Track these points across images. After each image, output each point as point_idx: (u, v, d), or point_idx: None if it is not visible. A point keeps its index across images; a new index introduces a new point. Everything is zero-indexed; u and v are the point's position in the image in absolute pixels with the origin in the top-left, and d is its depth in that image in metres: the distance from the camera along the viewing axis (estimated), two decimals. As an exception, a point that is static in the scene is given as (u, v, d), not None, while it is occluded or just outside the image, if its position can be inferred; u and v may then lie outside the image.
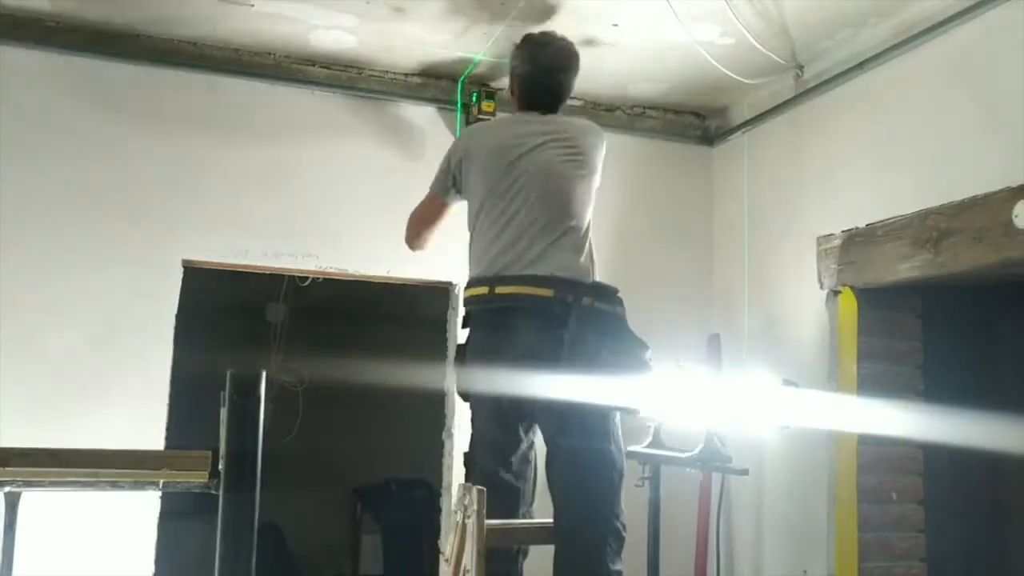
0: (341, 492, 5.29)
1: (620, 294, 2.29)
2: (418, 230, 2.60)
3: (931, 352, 2.81)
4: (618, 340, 2.24)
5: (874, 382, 2.74)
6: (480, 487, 2.05)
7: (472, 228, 2.42)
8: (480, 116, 3.17)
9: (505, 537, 2.25)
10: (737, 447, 2.90)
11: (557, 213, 2.28)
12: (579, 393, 2.19)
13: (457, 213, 2.55)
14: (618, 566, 2.18)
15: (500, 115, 3.04)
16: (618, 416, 2.29)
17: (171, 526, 2.93)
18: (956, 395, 2.61)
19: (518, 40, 2.50)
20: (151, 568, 2.79)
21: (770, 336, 3.11)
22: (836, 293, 2.78)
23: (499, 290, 2.26)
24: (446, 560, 2.21)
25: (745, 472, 2.80)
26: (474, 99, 3.22)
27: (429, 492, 4.51)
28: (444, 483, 3.23)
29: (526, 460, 2.38)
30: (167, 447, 2.74)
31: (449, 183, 2.49)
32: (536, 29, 2.81)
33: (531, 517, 2.42)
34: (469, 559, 2.04)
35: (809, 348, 2.89)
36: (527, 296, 2.22)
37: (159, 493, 2.60)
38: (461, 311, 3.19)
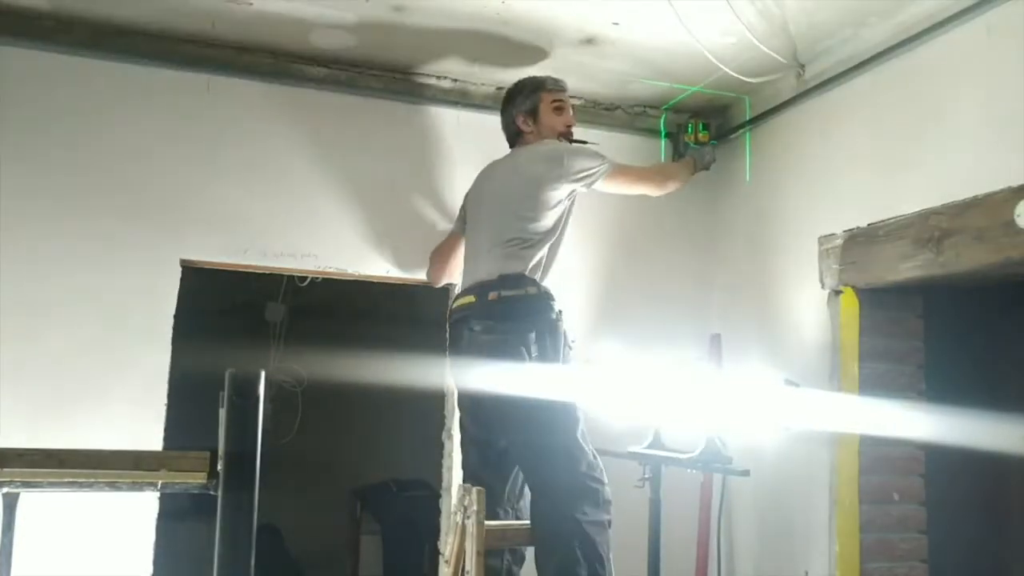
0: (341, 492, 5.28)
1: (528, 276, 2.55)
2: (431, 261, 3.09)
3: (933, 352, 2.80)
4: (522, 318, 2.49)
5: (876, 382, 2.73)
6: (479, 487, 2.15)
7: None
8: (696, 143, 3.28)
9: (502, 538, 2.27)
10: (738, 448, 2.89)
11: (495, 230, 2.66)
12: (490, 383, 2.43)
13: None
14: (593, 516, 2.35)
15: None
16: (569, 406, 2.45)
17: (170, 527, 2.92)
18: (958, 395, 2.60)
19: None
20: (149, 569, 2.78)
21: (771, 336, 3.10)
22: (837, 293, 2.78)
23: (453, 305, 2.71)
24: (446, 561, 2.22)
25: (746, 473, 2.79)
26: (689, 129, 3.31)
27: (429, 492, 4.50)
28: (444, 483, 3.22)
29: (504, 456, 2.56)
30: (165, 447, 2.73)
31: (461, 220, 2.98)
32: (535, 27, 2.82)
33: (521, 514, 2.49)
34: (469, 559, 2.04)
35: (810, 348, 2.88)
36: (463, 306, 2.62)
37: (157, 494, 2.59)
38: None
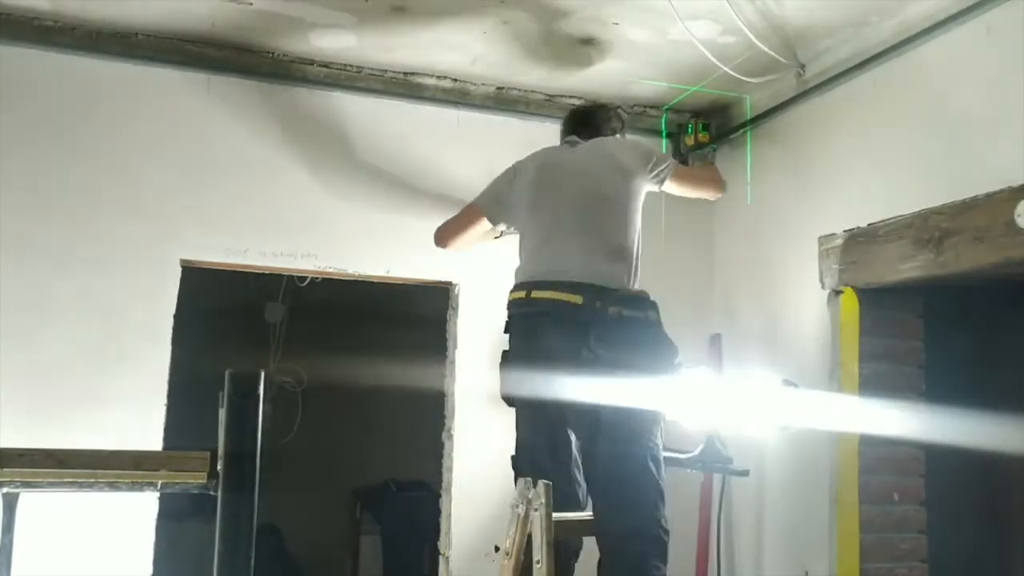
0: (341, 493, 5.29)
1: (652, 299, 2.39)
2: (448, 232, 2.89)
3: (933, 352, 2.80)
4: (645, 346, 2.31)
5: (876, 382, 2.73)
6: (546, 481, 2.12)
7: (520, 239, 2.63)
8: (697, 145, 3.29)
9: (569, 530, 2.30)
10: (738, 448, 2.89)
11: (590, 223, 2.45)
12: (603, 398, 2.24)
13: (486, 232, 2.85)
14: (662, 571, 2.22)
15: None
16: (657, 424, 2.33)
17: (170, 527, 2.92)
18: (958, 395, 2.60)
19: None
20: (149, 569, 2.78)
21: (771, 336, 3.10)
22: (838, 293, 2.77)
23: (535, 295, 2.38)
24: (506, 553, 2.24)
25: (746, 473, 2.80)
26: (689, 130, 3.32)
27: (429, 493, 4.50)
28: (444, 484, 3.22)
29: (574, 461, 2.43)
30: (165, 448, 2.73)
31: (497, 201, 2.75)
32: (535, 27, 2.82)
33: (582, 489, 2.46)
34: (539, 551, 2.09)
35: (810, 348, 2.88)
36: (558, 302, 2.32)
37: (157, 494, 2.59)
38: (463, 312, 3.22)
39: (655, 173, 2.63)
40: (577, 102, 3.25)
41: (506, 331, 2.49)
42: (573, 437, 2.44)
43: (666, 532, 2.27)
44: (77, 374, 2.77)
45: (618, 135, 2.81)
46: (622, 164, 2.58)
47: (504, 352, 2.51)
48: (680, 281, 3.46)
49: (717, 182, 3.02)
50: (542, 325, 2.36)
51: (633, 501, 2.27)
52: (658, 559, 2.24)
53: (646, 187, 2.62)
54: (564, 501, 2.27)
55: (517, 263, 2.58)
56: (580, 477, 2.45)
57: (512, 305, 2.46)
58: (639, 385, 2.26)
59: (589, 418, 2.30)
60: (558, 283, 2.35)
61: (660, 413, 2.36)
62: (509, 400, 2.52)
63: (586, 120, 2.79)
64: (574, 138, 2.74)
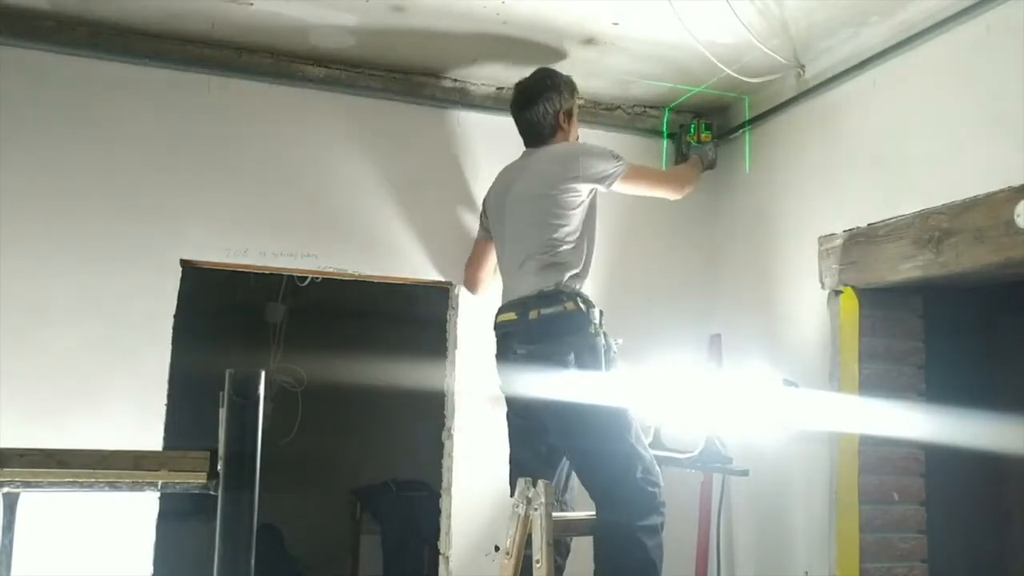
0: (341, 493, 5.29)
1: (573, 290, 2.57)
2: (467, 273, 3.14)
3: (933, 352, 2.80)
4: (560, 334, 2.51)
5: (876, 382, 2.73)
6: (545, 480, 2.25)
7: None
8: (699, 143, 3.28)
9: (567, 529, 2.36)
10: (738, 448, 2.90)
11: (525, 241, 2.66)
12: (538, 393, 2.46)
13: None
14: (648, 520, 2.37)
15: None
16: (620, 411, 2.46)
17: (170, 527, 2.92)
18: (958, 396, 2.60)
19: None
20: (150, 569, 2.77)
21: (771, 336, 3.10)
22: (837, 293, 2.78)
23: (497, 319, 2.71)
24: (506, 552, 2.27)
25: (745, 473, 2.79)
26: (691, 130, 3.31)
27: (429, 492, 4.50)
28: (444, 484, 3.22)
29: (555, 450, 2.60)
30: (165, 448, 2.73)
31: (484, 227, 2.98)
32: (535, 27, 2.82)
33: (566, 507, 2.56)
34: (538, 550, 2.11)
35: (810, 348, 2.88)
36: (505, 322, 2.65)
37: (158, 494, 2.59)
38: (463, 312, 3.24)
39: (597, 178, 2.67)
40: (579, 102, 3.24)
41: None
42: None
43: (651, 484, 2.42)
44: (77, 374, 2.77)
45: (562, 112, 2.78)
46: (550, 178, 2.66)
47: None
48: (680, 281, 3.47)
49: (679, 182, 3.01)
50: (501, 344, 2.69)
51: (604, 488, 2.42)
52: (644, 511, 2.38)
53: (585, 191, 2.66)
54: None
55: None
56: (559, 469, 2.63)
57: (493, 329, 2.75)
58: (572, 377, 2.43)
59: (551, 418, 2.50)
60: (504, 306, 2.68)
61: (613, 402, 2.45)
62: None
63: (527, 126, 2.81)
64: (527, 149, 2.84)
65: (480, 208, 3.03)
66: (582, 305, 2.53)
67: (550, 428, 2.54)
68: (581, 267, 2.63)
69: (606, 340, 2.52)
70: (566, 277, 2.59)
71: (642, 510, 2.37)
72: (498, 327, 2.70)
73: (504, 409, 2.74)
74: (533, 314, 2.53)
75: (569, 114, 2.82)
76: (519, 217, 2.71)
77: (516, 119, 2.85)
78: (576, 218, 2.65)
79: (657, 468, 2.47)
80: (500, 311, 2.71)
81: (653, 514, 2.38)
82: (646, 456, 2.46)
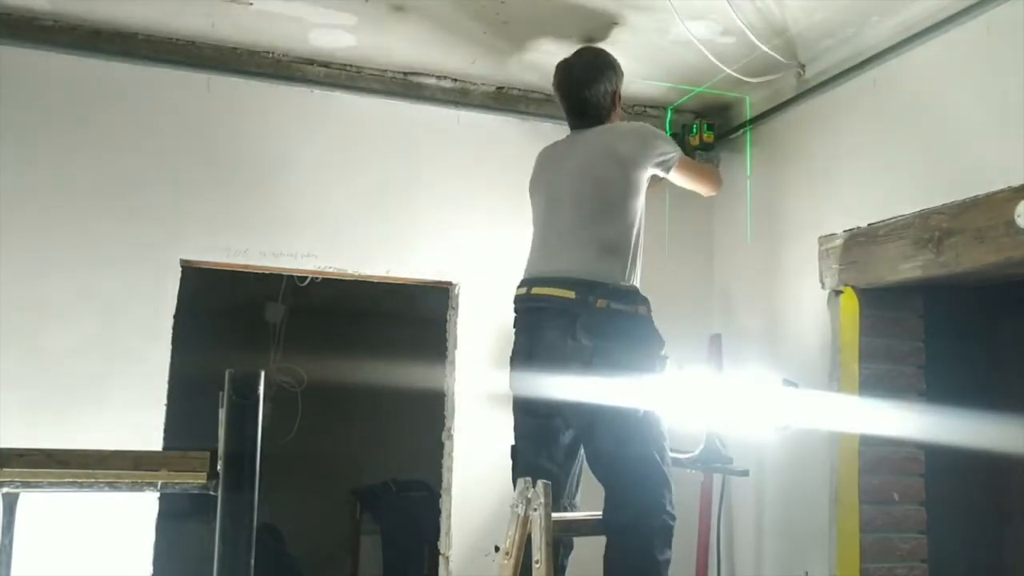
0: (340, 493, 5.29)
1: (643, 295, 2.41)
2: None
3: (933, 352, 2.80)
4: (629, 338, 2.34)
5: (876, 382, 2.73)
6: (545, 481, 2.16)
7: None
8: (702, 145, 3.26)
9: (567, 529, 2.33)
10: (738, 448, 2.90)
11: (586, 217, 2.45)
12: (596, 395, 2.28)
13: None
14: (666, 555, 2.29)
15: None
16: (655, 420, 2.36)
17: (170, 527, 2.92)
18: (958, 396, 2.60)
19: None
20: (149, 569, 2.78)
21: (771, 336, 3.10)
22: (838, 293, 2.77)
23: (534, 291, 2.43)
24: (506, 553, 2.26)
25: (746, 473, 2.80)
26: (693, 130, 3.29)
27: (429, 492, 4.51)
28: (444, 483, 3.22)
29: (570, 453, 2.48)
30: (165, 448, 2.73)
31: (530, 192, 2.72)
32: (535, 28, 2.82)
33: (574, 508, 2.49)
34: (537, 550, 2.11)
35: (810, 348, 2.88)
36: (552, 297, 2.37)
37: (157, 494, 2.58)
38: (463, 312, 3.22)
39: (659, 161, 2.55)
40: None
41: (514, 326, 2.53)
42: (568, 433, 2.46)
43: (672, 517, 2.31)
44: (77, 374, 2.77)
45: (618, 93, 2.64)
46: (622, 155, 2.50)
47: (512, 350, 2.54)
48: (680, 281, 3.46)
49: (716, 179, 2.96)
50: (541, 319, 2.41)
51: (636, 496, 2.30)
52: (663, 544, 2.29)
53: (648, 175, 2.53)
54: (560, 498, 2.37)
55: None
56: (574, 470, 2.51)
57: (516, 301, 2.51)
58: (628, 380, 2.30)
59: (584, 413, 2.34)
60: (554, 279, 2.40)
61: (655, 409, 2.37)
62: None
63: (583, 106, 2.60)
64: (577, 132, 2.65)
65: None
66: (650, 312, 2.40)
67: (570, 425, 2.41)
68: (638, 263, 2.47)
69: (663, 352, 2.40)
70: (629, 272, 2.41)
71: (664, 544, 2.28)
72: (534, 299, 2.41)
73: (508, 408, 2.58)
74: (601, 303, 2.30)
75: (618, 95, 2.66)
76: (581, 188, 2.49)
77: (570, 98, 2.62)
78: (639, 204, 2.49)
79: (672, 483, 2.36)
80: (539, 283, 2.43)
81: (670, 549, 2.29)
82: (672, 486, 2.33)
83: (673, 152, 2.61)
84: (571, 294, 2.34)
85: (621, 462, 2.31)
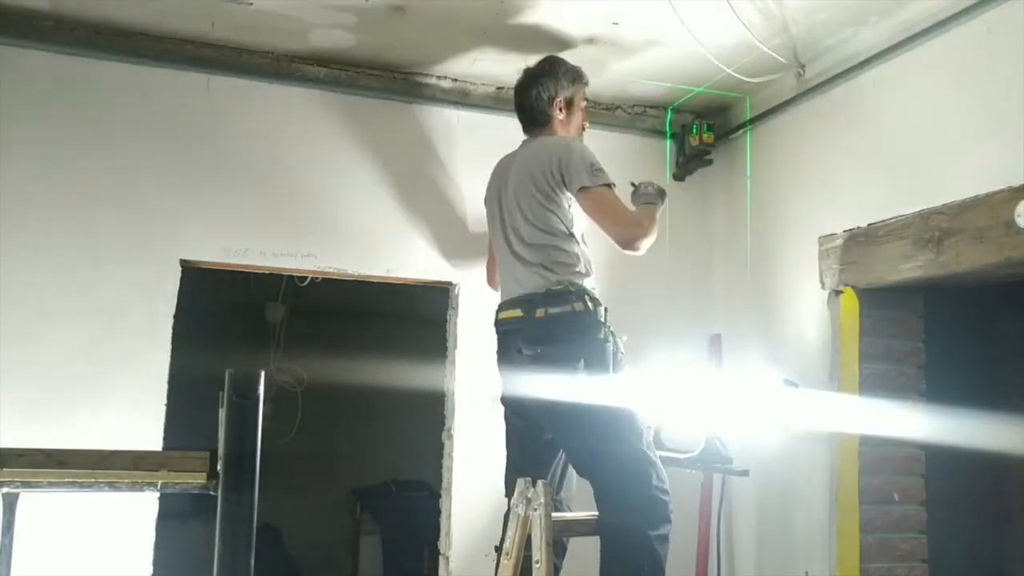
0: (340, 493, 5.29)
1: (578, 288, 2.49)
2: (488, 272, 3.03)
3: (933, 352, 2.80)
4: (567, 334, 2.45)
5: (876, 382, 2.73)
6: (544, 480, 2.23)
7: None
8: (702, 145, 3.28)
9: (566, 529, 2.35)
10: (738, 448, 2.89)
11: (522, 235, 2.58)
12: (542, 394, 2.42)
13: None
14: (662, 530, 2.34)
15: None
16: (622, 415, 2.41)
17: (170, 527, 2.92)
18: (958, 396, 2.60)
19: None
20: (149, 569, 2.77)
21: (771, 336, 3.10)
22: (838, 293, 2.77)
23: (499, 316, 2.65)
24: (505, 553, 2.26)
25: (746, 473, 2.80)
26: (693, 130, 3.30)
27: (429, 492, 4.51)
28: (444, 484, 3.22)
29: (550, 450, 2.58)
30: (165, 448, 2.73)
31: (488, 222, 2.83)
32: (534, 27, 2.82)
33: (563, 506, 2.54)
34: (537, 550, 2.14)
35: (810, 348, 2.88)
36: (508, 319, 2.58)
37: (157, 494, 2.59)
38: (463, 312, 3.23)
39: (568, 186, 2.53)
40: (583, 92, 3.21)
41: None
42: (544, 429, 2.56)
43: (662, 491, 2.37)
44: (77, 374, 2.77)
45: (559, 99, 2.68)
46: (535, 174, 2.56)
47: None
48: (680, 281, 3.46)
49: (634, 230, 2.52)
50: (503, 341, 2.63)
51: (617, 486, 2.38)
52: (657, 520, 2.34)
53: (567, 192, 2.55)
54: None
55: None
56: (552, 469, 2.60)
57: (494, 325, 2.69)
58: (578, 376, 2.38)
59: (552, 419, 2.47)
60: (506, 303, 2.62)
61: (615, 399, 2.41)
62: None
63: (520, 108, 2.75)
64: (524, 139, 2.76)
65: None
66: (590, 304, 2.47)
67: (547, 428, 2.51)
68: (582, 263, 2.55)
69: (615, 341, 2.46)
70: (571, 273, 2.51)
71: (655, 519, 2.32)
72: (500, 324, 2.63)
73: (502, 409, 2.70)
74: (540, 312, 2.46)
75: (569, 103, 2.71)
76: (514, 210, 2.62)
77: (516, 104, 2.78)
78: (568, 214, 2.56)
79: (666, 475, 2.42)
80: (502, 307, 2.63)
81: (665, 523, 2.34)
82: (658, 463, 2.40)
83: (581, 183, 2.49)
84: (519, 312, 2.53)
85: (596, 457, 2.41)
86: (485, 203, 2.85)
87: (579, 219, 2.60)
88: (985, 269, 2.31)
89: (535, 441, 2.56)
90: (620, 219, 2.52)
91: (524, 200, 2.59)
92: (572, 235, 2.57)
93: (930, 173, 2.51)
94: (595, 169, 2.51)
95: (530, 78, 2.72)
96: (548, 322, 2.46)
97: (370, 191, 3.16)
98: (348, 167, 3.15)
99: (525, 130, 2.78)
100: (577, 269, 2.54)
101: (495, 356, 2.67)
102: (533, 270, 2.55)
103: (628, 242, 2.51)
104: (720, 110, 3.48)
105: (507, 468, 2.64)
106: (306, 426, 4.93)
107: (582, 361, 2.40)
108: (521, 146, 2.76)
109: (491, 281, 2.99)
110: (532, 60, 3.02)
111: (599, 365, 2.41)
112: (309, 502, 5.07)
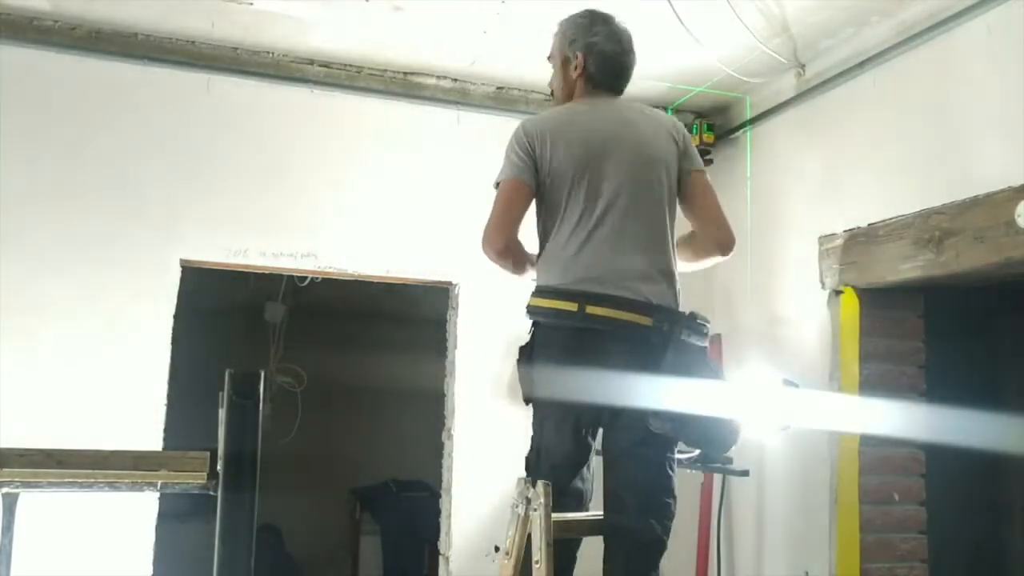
0: (340, 493, 5.29)
1: (706, 320, 2.19)
2: (499, 229, 2.14)
3: (933, 352, 2.80)
4: (700, 374, 2.13)
5: (876, 382, 2.73)
6: (545, 480, 2.06)
7: (547, 228, 2.14)
8: (702, 146, 3.22)
9: (568, 530, 2.31)
10: (738, 448, 2.88)
11: (650, 225, 2.11)
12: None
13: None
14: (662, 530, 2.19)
15: (573, 104, 2.26)
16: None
17: (169, 527, 2.92)
18: (958, 395, 2.60)
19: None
20: (149, 569, 2.78)
21: (772, 336, 3.10)
22: (838, 293, 2.77)
23: (590, 310, 2.02)
24: (506, 553, 2.25)
25: (746, 473, 2.79)
26: (694, 130, 3.28)
27: (429, 492, 4.51)
28: (444, 484, 3.22)
29: (589, 465, 2.29)
30: (165, 448, 2.73)
31: (532, 167, 2.12)
32: (535, 27, 2.81)
33: (585, 499, 2.45)
34: (537, 551, 2.08)
35: (811, 348, 2.88)
36: (624, 323, 2.03)
37: (157, 494, 2.59)
38: (463, 312, 3.20)
39: (686, 165, 2.18)
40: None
41: (538, 341, 2.11)
42: (591, 442, 2.26)
43: (673, 498, 2.18)
44: (77, 373, 2.77)
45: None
46: (667, 151, 2.14)
47: (523, 348, 2.14)
48: (681, 281, 3.45)
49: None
50: (599, 343, 2.04)
51: (653, 501, 2.20)
52: (666, 539, 2.22)
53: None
54: (572, 500, 2.22)
55: (544, 251, 2.14)
56: (591, 479, 2.34)
57: (550, 314, 2.07)
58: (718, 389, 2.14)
59: (637, 428, 2.09)
60: (622, 300, 2.04)
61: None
62: (529, 399, 2.19)
63: (622, 75, 2.25)
64: (603, 99, 2.22)
65: (525, 143, 2.13)
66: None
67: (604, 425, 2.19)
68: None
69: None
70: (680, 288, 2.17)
71: (659, 552, 2.27)
72: (605, 322, 2.02)
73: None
74: (685, 333, 2.09)
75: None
76: (642, 180, 2.09)
77: (624, 56, 2.26)
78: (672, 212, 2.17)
79: None
80: (605, 300, 2.02)
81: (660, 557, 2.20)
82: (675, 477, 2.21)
83: (698, 163, 2.23)
84: (648, 321, 2.05)
85: (652, 472, 2.14)
86: (549, 143, 2.11)
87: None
88: (985, 269, 2.30)
89: (585, 462, 2.23)
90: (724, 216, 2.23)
91: (657, 176, 2.11)
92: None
93: (930, 173, 2.51)
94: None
95: (631, 48, 2.28)
96: (684, 351, 2.09)
97: (370, 191, 3.16)
98: (348, 167, 3.15)
99: (603, 90, 2.24)
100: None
101: (555, 349, 2.07)
102: (666, 268, 2.14)
103: (731, 242, 2.23)
104: (721, 110, 3.48)
105: (540, 450, 2.17)
106: (306, 426, 4.93)
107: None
108: (606, 103, 2.22)
109: (503, 242, 2.13)
110: (532, 59, 3.02)
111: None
112: (309, 502, 5.07)
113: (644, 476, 2.19)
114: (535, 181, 2.12)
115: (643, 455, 2.18)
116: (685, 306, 2.23)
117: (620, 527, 2.15)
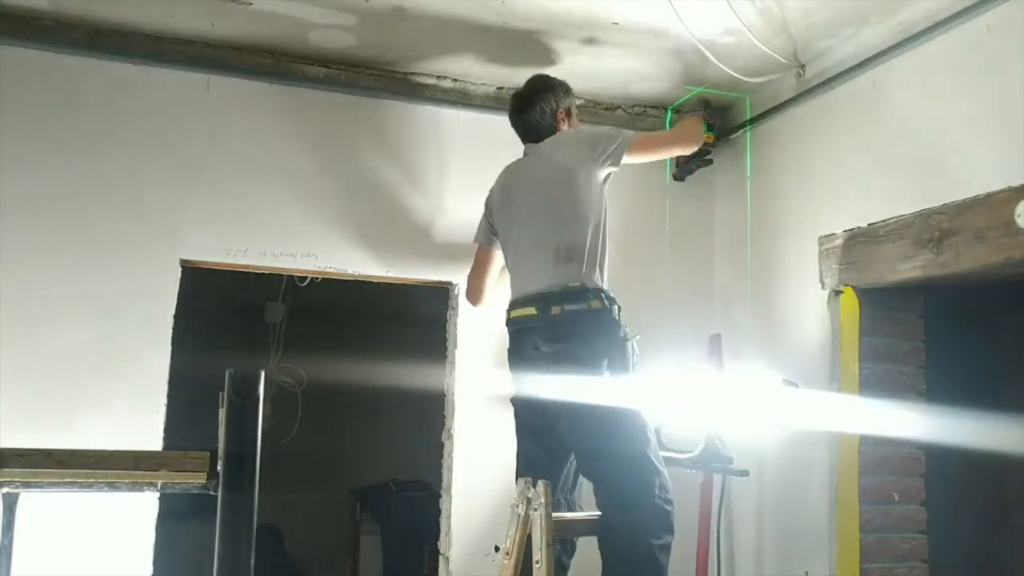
0: (340, 493, 5.29)
1: (597, 287, 2.50)
2: (470, 283, 2.95)
3: (933, 352, 2.80)
4: (585, 332, 2.44)
5: (876, 382, 2.73)
6: (544, 480, 2.22)
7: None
8: (701, 147, 3.22)
9: (567, 529, 2.34)
10: (738, 448, 2.89)
11: (541, 230, 2.58)
12: (558, 394, 2.40)
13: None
14: (664, 539, 2.33)
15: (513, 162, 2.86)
16: (635, 410, 2.42)
17: (169, 527, 2.92)
18: (958, 396, 2.60)
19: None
20: (149, 569, 2.77)
21: (771, 336, 3.10)
22: (838, 293, 2.78)
23: (512, 314, 2.62)
24: (506, 553, 2.26)
25: (746, 473, 2.80)
26: None
27: (429, 492, 4.51)
28: (444, 483, 3.22)
29: (565, 448, 2.54)
30: (165, 448, 2.73)
31: (487, 229, 2.85)
32: (535, 27, 2.82)
33: (572, 505, 2.53)
34: (537, 550, 2.13)
35: (810, 348, 2.88)
36: (522, 317, 2.56)
37: (157, 494, 2.59)
38: (463, 312, 3.23)
39: (604, 157, 2.60)
40: (579, 102, 3.24)
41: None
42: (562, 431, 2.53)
43: (666, 501, 2.36)
44: (77, 374, 2.77)
45: (560, 110, 2.77)
46: (563, 164, 2.61)
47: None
48: (680, 281, 3.46)
49: (683, 141, 3.02)
50: (517, 339, 2.59)
51: (622, 490, 2.37)
52: (660, 530, 2.33)
53: (599, 174, 2.61)
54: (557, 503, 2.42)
55: None
56: (566, 469, 2.58)
57: (506, 323, 2.66)
58: (594, 376, 2.38)
59: (569, 418, 2.43)
60: (519, 300, 2.59)
61: (629, 401, 2.41)
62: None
63: (526, 128, 2.78)
64: (528, 146, 2.79)
65: (484, 211, 2.89)
66: (606, 302, 2.48)
67: (561, 428, 2.48)
68: (599, 260, 2.55)
69: (632, 342, 2.46)
70: (585, 271, 2.50)
71: (658, 527, 2.31)
72: (513, 322, 2.60)
73: (508, 409, 2.69)
74: (555, 310, 2.45)
75: (568, 112, 2.80)
76: (534, 208, 2.63)
77: (515, 124, 2.82)
78: (594, 208, 2.57)
79: (671, 485, 2.40)
80: (514, 305, 2.61)
81: (667, 533, 2.32)
82: (663, 471, 2.39)
83: (616, 142, 2.62)
84: (533, 310, 2.52)
85: (603, 459, 2.40)
86: (490, 209, 2.85)
87: (604, 213, 2.61)
88: (985, 269, 2.31)
89: (552, 439, 2.52)
90: (672, 139, 3.03)
91: (553, 193, 2.60)
92: (599, 228, 2.57)
93: (930, 173, 2.52)
94: (614, 130, 2.81)
95: (529, 96, 2.77)
96: (565, 319, 2.44)
97: (370, 191, 3.16)
98: (348, 167, 3.15)
99: (530, 142, 2.80)
100: (594, 265, 2.53)
101: (509, 354, 2.64)
102: (547, 266, 2.53)
103: (690, 149, 3.04)
104: (720, 110, 3.47)
105: (520, 463, 2.61)
106: (306, 426, 4.93)
107: (606, 361, 2.40)
108: (529, 152, 2.78)
109: (474, 292, 2.94)
110: (532, 60, 3.03)
111: (621, 366, 2.42)
112: (309, 502, 5.07)
113: (587, 468, 2.49)
114: (495, 237, 2.82)
115: (584, 448, 2.45)
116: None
117: (598, 522, 2.38)
